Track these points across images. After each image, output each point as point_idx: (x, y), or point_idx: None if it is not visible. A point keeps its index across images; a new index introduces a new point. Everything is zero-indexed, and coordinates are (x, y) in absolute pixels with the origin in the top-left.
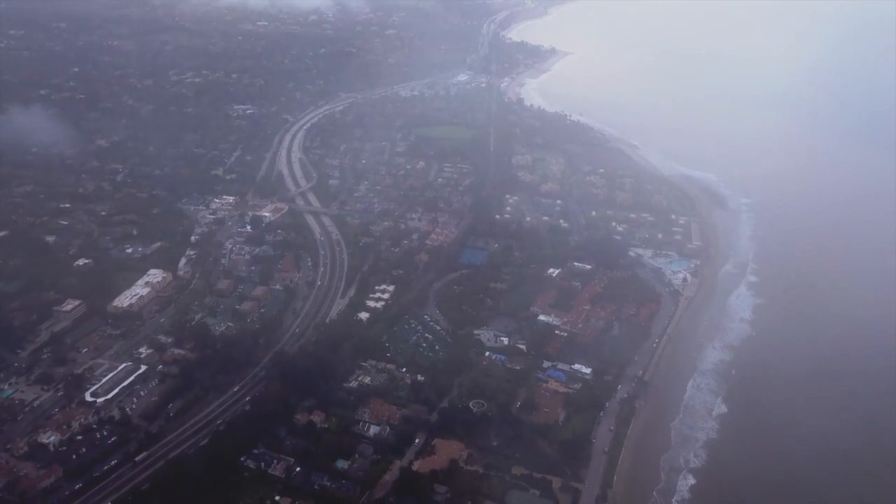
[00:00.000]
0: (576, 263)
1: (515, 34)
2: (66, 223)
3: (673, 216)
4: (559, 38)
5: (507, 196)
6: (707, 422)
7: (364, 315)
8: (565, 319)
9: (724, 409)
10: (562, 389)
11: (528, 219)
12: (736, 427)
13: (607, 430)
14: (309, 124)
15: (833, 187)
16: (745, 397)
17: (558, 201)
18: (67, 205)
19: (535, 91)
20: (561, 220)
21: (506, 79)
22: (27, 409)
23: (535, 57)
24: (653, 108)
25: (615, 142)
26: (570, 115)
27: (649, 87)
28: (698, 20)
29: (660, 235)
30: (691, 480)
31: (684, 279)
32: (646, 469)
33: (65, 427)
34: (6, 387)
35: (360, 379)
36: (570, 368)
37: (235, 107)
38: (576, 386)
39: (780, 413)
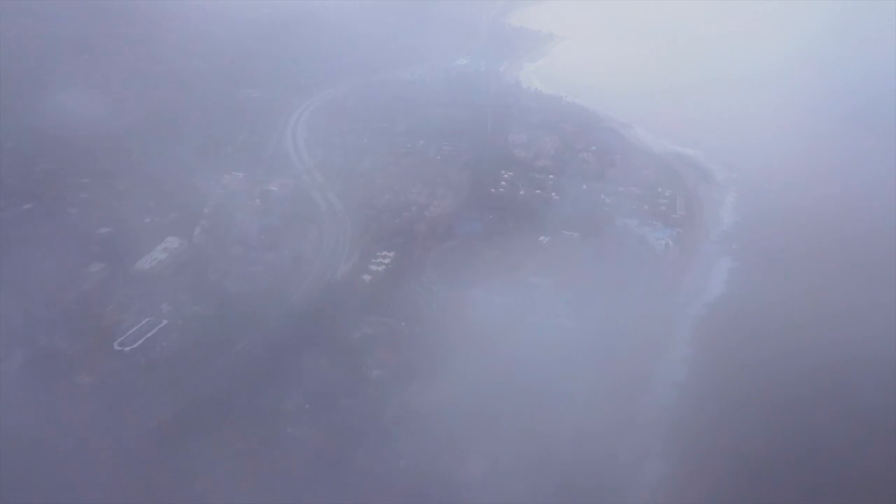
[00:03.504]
0: (565, 232)
1: (515, 20)
2: (86, 196)
3: (659, 189)
4: (558, 23)
5: (503, 171)
6: (680, 368)
7: (367, 277)
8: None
9: (695, 355)
10: None
11: (521, 192)
12: (708, 371)
13: None
14: (313, 107)
15: (821, 166)
16: (719, 348)
17: (550, 176)
18: (86, 180)
19: (533, 74)
20: (553, 194)
21: (504, 63)
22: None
23: (533, 42)
24: (647, 89)
25: (608, 122)
26: (566, 97)
27: (644, 69)
28: (697, 4)
29: (645, 207)
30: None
31: (666, 245)
32: (622, 408)
33: (97, 371)
34: (43, 337)
35: (363, 330)
36: (556, 322)
37: (241, 91)
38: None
39: (750, 357)
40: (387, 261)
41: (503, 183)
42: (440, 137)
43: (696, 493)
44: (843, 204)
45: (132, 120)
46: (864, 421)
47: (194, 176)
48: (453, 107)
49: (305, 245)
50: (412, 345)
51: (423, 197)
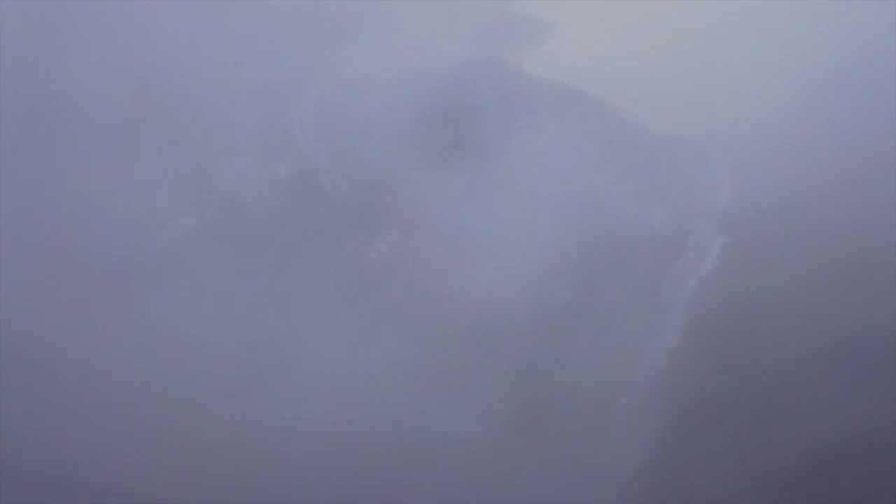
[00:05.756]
0: (563, 211)
1: (518, 8)
2: (103, 180)
3: (657, 170)
4: (562, 11)
5: (504, 155)
6: (672, 336)
7: (374, 254)
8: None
9: (686, 324)
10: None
11: (521, 175)
12: (698, 338)
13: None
14: (317, 95)
15: (821, 150)
16: (709, 318)
17: (550, 159)
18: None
19: (536, 61)
20: (552, 175)
21: (507, 50)
22: None
23: (537, 29)
24: (650, 74)
25: (609, 106)
26: (568, 83)
27: (648, 56)
28: None
29: (642, 186)
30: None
31: (661, 223)
32: (616, 372)
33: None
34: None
35: (371, 303)
36: (553, 294)
37: (248, 79)
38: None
39: (740, 327)
40: (392, 239)
41: (504, 166)
42: (443, 123)
43: (685, 447)
44: (840, 185)
45: (142, 110)
46: (855, 387)
47: (205, 161)
48: (456, 93)
49: (313, 225)
50: (418, 315)
51: (426, 179)
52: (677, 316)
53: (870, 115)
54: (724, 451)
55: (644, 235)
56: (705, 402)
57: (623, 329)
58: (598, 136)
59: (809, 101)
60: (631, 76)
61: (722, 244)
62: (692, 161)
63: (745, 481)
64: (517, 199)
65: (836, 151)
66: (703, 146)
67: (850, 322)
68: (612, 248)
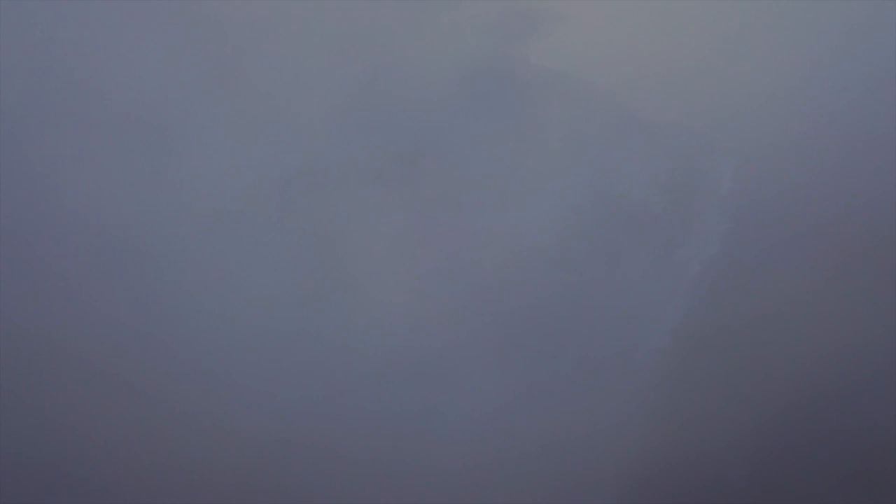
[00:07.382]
0: (564, 199)
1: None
2: None
3: (659, 158)
4: (567, 1)
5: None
6: (673, 315)
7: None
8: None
9: (688, 303)
10: None
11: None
12: (700, 316)
13: None
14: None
15: (827, 136)
16: (711, 297)
17: (551, 147)
18: None
19: (541, 51)
20: (553, 163)
21: (511, 41)
22: None
23: (542, 20)
24: (656, 63)
25: (612, 94)
26: (572, 72)
27: (655, 44)
28: None
29: (644, 174)
30: (660, 360)
31: (664, 209)
32: (618, 350)
33: None
34: None
35: None
36: (554, 278)
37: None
38: None
39: (739, 306)
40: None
41: (506, 154)
42: (444, 116)
43: (689, 425)
44: (844, 173)
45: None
46: (857, 375)
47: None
48: (458, 85)
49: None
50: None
51: (424, 174)
52: (681, 298)
53: (876, 103)
54: (727, 431)
55: (646, 221)
56: (709, 382)
57: (627, 310)
58: (601, 123)
59: (815, 90)
60: (635, 65)
61: (724, 230)
62: (696, 148)
63: (746, 459)
64: (519, 187)
65: (841, 139)
66: (707, 133)
67: (851, 313)
68: (616, 233)
